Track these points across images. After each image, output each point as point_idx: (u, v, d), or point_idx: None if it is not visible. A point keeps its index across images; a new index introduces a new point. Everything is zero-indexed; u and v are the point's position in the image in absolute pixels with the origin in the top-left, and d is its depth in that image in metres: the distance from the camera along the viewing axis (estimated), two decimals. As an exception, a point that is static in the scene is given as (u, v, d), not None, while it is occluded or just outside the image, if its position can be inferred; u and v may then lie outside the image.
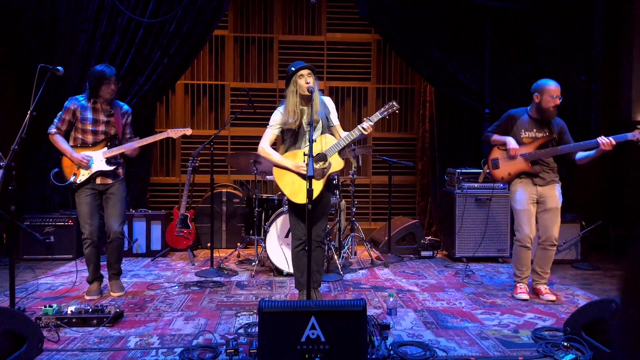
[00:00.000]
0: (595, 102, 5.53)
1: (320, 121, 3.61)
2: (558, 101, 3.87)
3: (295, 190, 3.59)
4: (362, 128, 3.48)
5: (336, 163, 3.59)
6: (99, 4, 5.35)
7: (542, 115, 3.94)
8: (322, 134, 3.62)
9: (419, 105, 6.71)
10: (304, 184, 3.52)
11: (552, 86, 3.87)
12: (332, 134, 3.70)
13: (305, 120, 3.55)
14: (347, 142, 3.57)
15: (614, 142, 3.67)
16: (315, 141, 3.33)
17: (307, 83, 3.52)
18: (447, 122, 6.10)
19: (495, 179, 4.16)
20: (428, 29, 5.65)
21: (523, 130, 3.98)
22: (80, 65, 5.40)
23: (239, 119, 6.09)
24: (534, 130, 3.97)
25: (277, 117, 3.69)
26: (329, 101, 3.77)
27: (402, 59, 6.17)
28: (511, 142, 3.96)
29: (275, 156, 3.64)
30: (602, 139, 3.69)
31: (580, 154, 3.91)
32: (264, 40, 6.63)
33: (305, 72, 3.55)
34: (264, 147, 3.67)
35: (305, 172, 3.47)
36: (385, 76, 6.81)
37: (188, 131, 4.10)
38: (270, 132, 3.70)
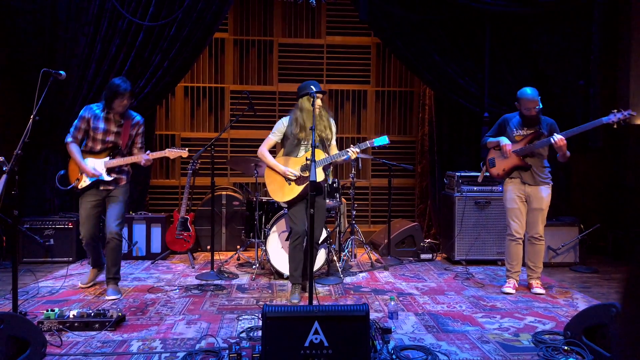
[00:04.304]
0: (593, 107, 5.56)
1: (320, 136, 4.05)
2: (533, 112, 4.16)
3: (275, 188, 4.13)
4: (350, 151, 3.93)
5: (318, 175, 3.91)
6: (99, 7, 5.35)
7: (525, 120, 4.26)
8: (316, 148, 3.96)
9: (418, 109, 6.74)
10: (285, 185, 4.10)
11: (527, 98, 4.17)
12: (327, 152, 4.11)
13: (303, 136, 4.04)
14: (333, 161, 4.02)
15: (562, 138, 3.99)
16: (316, 146, 3.62)
17: (320, 105, 4.04)
18: (446, 126, 6.13)
19: (493, 177, 4.50)
20: (428, 33, 5.67)
21: (515, 129, 4.30)
22: (80, 68, 5.40)
23: (239, 122, 6.10)
24: (525, 128, 4.27)
25: (280, 127, 4.15)
26: (331, 123, 4.21)
27: (402, 63, 6.20)
28: (504, 140, 4.27)
29: (270, 159, 4.16)
30: (555, 137, 4.02)
31: (558, 154, 4.20)
32: (264, 43, 6.64)
33: (320, 95, 4.00)
34: (263, 151, 4.20)
35: (291, 177, 4.05)
36: (385, 79, 6.83)
37: (184, 153, 4.17)
38: (272, 139, 4.20)
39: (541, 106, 4.15)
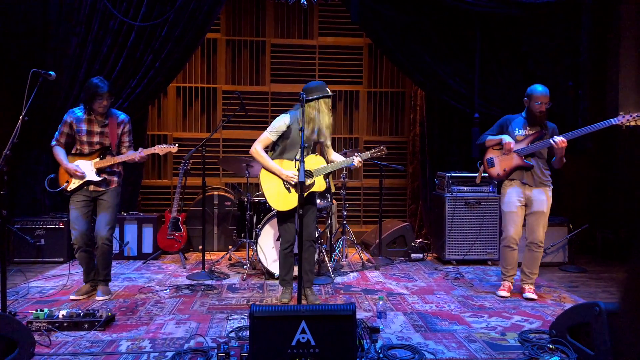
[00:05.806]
0: (582, 108, 5.62)
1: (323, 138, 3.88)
2: (543, 107, 4.08)
3: (273, 195, 3.86)
4: (356, 160, 3.80)
5: (319, 184, 3.88)
6: (90, 7, 5.35)
7: (531, 118, 4.17)
8: (314, 152, 3.85)
9: (409, 109, 6.77)
10: (283, 192, 3.85)
11: (538, 93, 4.09)
12: (323, 153, 3.94)
13: (315, 138, 3.84)
14: (336, 169, 3.88)
15: (563, 140, 3.93)
16: (307, 146, 3.45)
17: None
18: (437, 126, 6.16)
19: (492, 177, 4.32)
20: (419, 34, 5.70)
21: (517, 129, 4.21)
22: (71, 69, 5.39)
23: (231, 122, 6.11)
24: (527, 128, 4.19)
25: (281, 126, 3.87)
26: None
27: (393, 64, 6.22)
28: (506, 137, 4.16)
29: (268, 160, 3.87)
30: (555, 138, 3.95)
31: (553, 159, 4.14)
32: (256, 44, 6.66)
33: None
34: (258, 150, 3.89)
35: (293, 183, 3.81)
36: (377, 80, 6.86)
37: (174, 149, 4.18)
38: (267, 137, 3.91)
39: (551, 104, 4.10)
